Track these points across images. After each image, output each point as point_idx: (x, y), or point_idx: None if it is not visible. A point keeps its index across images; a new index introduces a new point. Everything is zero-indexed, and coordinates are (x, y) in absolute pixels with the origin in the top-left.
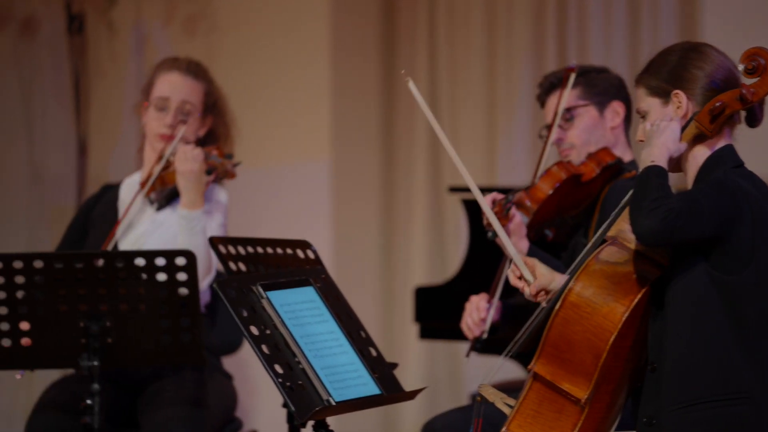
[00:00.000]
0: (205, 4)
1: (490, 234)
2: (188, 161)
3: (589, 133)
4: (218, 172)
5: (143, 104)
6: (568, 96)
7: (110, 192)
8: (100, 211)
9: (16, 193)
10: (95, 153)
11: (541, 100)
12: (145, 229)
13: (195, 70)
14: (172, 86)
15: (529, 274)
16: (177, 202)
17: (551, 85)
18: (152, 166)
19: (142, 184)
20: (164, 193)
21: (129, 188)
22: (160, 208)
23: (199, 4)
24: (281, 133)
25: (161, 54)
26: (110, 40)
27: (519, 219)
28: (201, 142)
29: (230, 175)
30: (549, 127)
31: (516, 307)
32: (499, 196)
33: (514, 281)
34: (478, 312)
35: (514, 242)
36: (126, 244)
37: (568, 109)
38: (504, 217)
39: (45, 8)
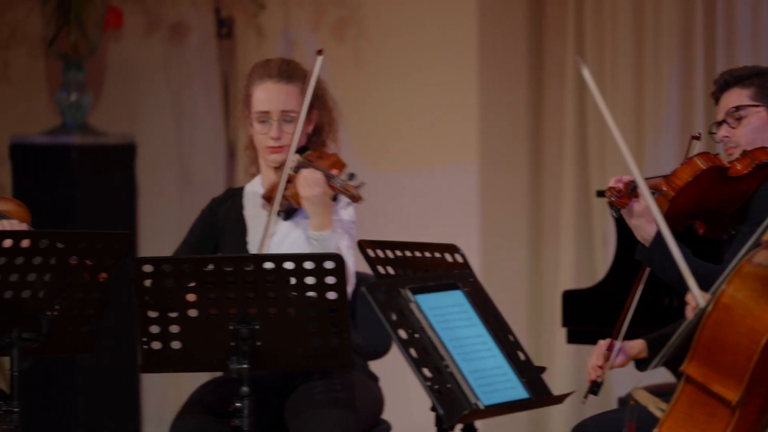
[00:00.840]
0: (354, 8)
1: (613, 212)
2: (311, 187)
3: (756, 134)
4: (345, 197)
5: (245, 115)
6: (737, 98)
7: (234, 196)
8: (226, 216)
9: (166, 197)
10: (244, 157)
11: (716, 96)
12: (275, 240)
13: (287, 72)
14: (269, 98)
15: (702, 299)
16: (301, 210)
17: (726, 83)
18: (274, 182)
19: (267, 199)
20: (288, 204)
21: (252, 197)
22: (286, 218)
23: (348, 9)
24: (430, 137)
25: (310, 59)
26: (259, 44)
27: None
28: (310, 137)
29: (356, 199)
30: (718, 124)
31: (661, 337)
32: (626, 178)
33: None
34: (597, 358)
35: (641, 224)
36: None
37: (738, 108)
38: (628, 196)
39: (194, 13)
